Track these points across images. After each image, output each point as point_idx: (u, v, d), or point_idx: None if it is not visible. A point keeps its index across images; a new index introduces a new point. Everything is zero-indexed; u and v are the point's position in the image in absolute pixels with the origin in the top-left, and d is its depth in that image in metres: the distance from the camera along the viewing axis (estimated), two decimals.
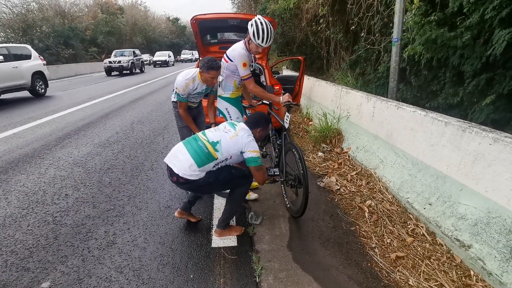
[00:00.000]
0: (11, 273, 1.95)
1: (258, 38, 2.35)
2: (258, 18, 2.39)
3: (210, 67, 2.44)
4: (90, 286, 1.84)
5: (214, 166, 2.08)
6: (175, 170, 2.01)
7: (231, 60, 2.54)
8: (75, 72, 19.87)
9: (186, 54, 38.83)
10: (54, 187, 3.14)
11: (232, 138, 2.08)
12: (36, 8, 24.25)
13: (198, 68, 2.57)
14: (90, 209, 2.72)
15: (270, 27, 2.36)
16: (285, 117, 2.75)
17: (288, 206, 2.63)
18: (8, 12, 21.73)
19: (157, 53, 34.06)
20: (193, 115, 2.91)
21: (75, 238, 2.30)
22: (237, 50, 2.49)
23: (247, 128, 2.18)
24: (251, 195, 2.84)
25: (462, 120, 2.27)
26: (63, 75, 18.17)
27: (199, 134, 2.18)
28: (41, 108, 7.42)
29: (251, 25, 2.37)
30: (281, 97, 2.60)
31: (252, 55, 2.60)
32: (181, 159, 2.03)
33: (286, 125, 2.70)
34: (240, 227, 2.40)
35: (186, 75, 2.62)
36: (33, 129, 5.43)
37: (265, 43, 2.38)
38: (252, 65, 2.67)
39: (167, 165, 2.08)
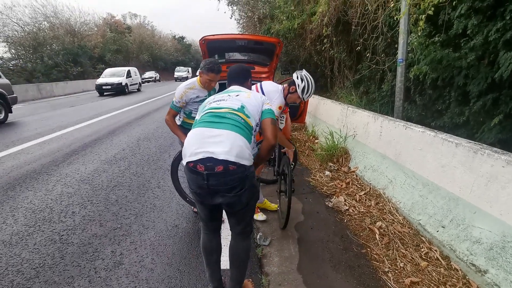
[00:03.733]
0: None
1: (306, 93, 2.53)
2: (307, 74, 2.54)
3: (211, 69, 2.43)
4: None
5: (254, 141, 1.71)
6: (221, 156, 1.44)
7: (264, 94, 2.56)
8: (82, 88, 20.29)
9: (181, 72, 35.65)
10: (61, 205, 3.13)
11: (250, 96, 1.74)
12: (47, 27, 25.08)
13: (198, 71, 2.57)
14: (97, 228, 2.70)
15: (313, 82, 2.54)
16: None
17: (279, 217, 2.78)
18: (19, 30, 22.48)
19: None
20: None
21: (82, 258, 2.27)
22: (274, 92, 2.58)
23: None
24: (259, 216, 2.81)
25: (473, 142, 2.27)
26: (71, 91, 18.58)
27: (212, 109, 1.66)
28: (49, 124, 7.51)
29: (302, 80, 2.50)
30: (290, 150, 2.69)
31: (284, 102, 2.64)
32: (224, 140, 1.49)
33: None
34: (249, 280, 2.01)
35: (186, 83, 2.61)
36: (41, 145, 5.48)
37: (308, 97, 2.57)
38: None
39: (196, 164, 1.48)
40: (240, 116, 1.60)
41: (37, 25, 23.83)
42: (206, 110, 1.68)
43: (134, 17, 44.40)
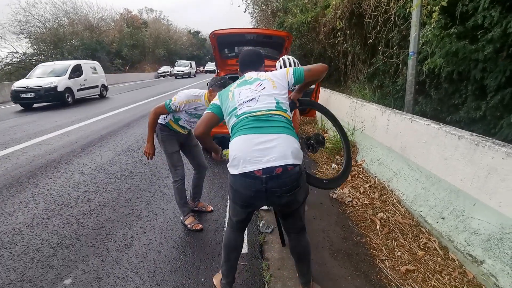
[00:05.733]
0: (37, 269, 2.10)
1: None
2: (289, 57, 2.51)
3: (223, 85, 2.25)
4: (108, 284, 1.95)
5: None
6: (279, 162, 1.43)
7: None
8: None
9: (182, 66, 31.53)
10: (78, 191, 3.33)
11: (275, 86, 1.65)
12: (67, 22, 25.90)
13: (208, 88, 2.37)
14: (110, 213, 2.87)
15: (291, 57, 2.50)
16: None
17: None
18: (41, 26, 23.34)
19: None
20: (183, 139, 2.67)
21: (96, 240, 2.44)
22: None
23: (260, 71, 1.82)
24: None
25: (476, 134, 2.26)
26: None
27: (251, 113, 1.56)
28: (67, 117, 7.85)
29: (281, 67, 2.47)
30: None
31: None
32: (279, 144, 1.47)
33: None
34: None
35: (193, 92, 2.42)
36: (61, 136, 5.77)
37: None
38: None
39: (253, 170, 1.45)
40: (281, 115, 1.57)
41: (57, 21, 24.68)
42: (241, 114, 1.58)
43: (150, 12, 45.10)
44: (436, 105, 5.67)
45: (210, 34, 4.14)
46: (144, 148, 2.55)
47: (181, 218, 2.68)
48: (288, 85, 1.68)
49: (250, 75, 1.74)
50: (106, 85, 13.59)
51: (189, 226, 2.59)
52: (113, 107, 9.59)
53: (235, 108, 1.61)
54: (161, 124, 2.52)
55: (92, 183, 3.56)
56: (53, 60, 21.58)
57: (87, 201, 3.11)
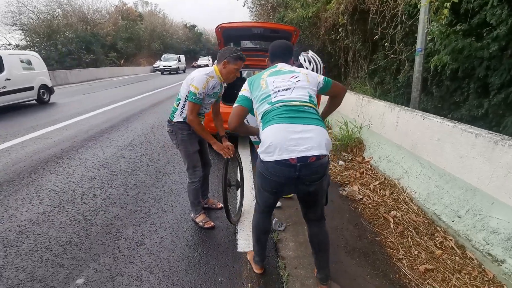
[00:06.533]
0: (47, 268, 2.03)
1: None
2: (313, 55, 2.43)
3: (239, 58, 2.24)
4: (122, 284, 1.90)
5: None
6: (315, 152, 1.51)
7: None
8: (95, 76, 20.53)
9: (169, 61, 28.05)
10: (82, 187, 3.25)
11: (309, 81, 1.72)
12: (61, 14, 25.33)
13: (217, 62, 2.29)
14: (118, 210, 2.80)
15: (321, 63, 2.43)
16: None
17: None
18: (34, 18, 22.78)
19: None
20: (200, 136, 2.43)
21: (106, 237, 2.38)
22: None
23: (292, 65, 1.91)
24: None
25: (493, 132, 2.24)
26: (84, 79, 18.79)
27: (286, 102, 1.62)
28: (65, 111, 7.69)
29: (310, 62, 2.39)
30: None
31: None
32: (314, 136, 1.54)
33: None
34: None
35: (204, 71, 2.25)
36: (60, 130, 5.64)
37: None
38: None
39: (289, 158, 1.51)
40: (313, 108, 1.65)
41: (51, 12, 24.08)
42: (276, 102, 1.63)
43: (146, 5, 44.39)
44: (437, 103, 5.68)
45: (216, 28, 4.05)
46: (217, 150, 2.38)
47: (192, 216, 2.63)
48: (317, 87, 1.75)
49: (282, 65, 1.81)
50: (50, 85, 9.47)
51: (200, 224, 2.54)
52: (112, 100, 9.41)
53: (269, 96, 1.66)
54: (179, 122, 2.35)
55: (96, 178, 3.48)
56: (46, 53, 21.21)
57: (93, 197, 3.04)
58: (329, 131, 5.31)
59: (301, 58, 2.46)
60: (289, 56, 1.92)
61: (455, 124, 2.54)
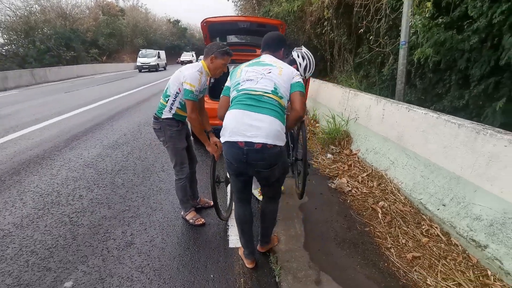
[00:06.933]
0: (33, 272, 1.97)
1: (308, 71, 2.44)
2: (307, 51, 2.43)
3: (226, 53, 2.25)
4: (112, 285, 1.87)
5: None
6: (260, 140, 1.62)
7: None
8: (76, 74, 19.92)
9: (148, 57, 25.33)
10: (67, 188, 3.16)
11: (281, 73, 1.79)
12: (38, 10, 24.36)
13: (205, 57, 2.29)
14: (105, 210, 2.74)
15: (313, 59, 2.44)
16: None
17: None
18: (12, 14, 21.84)
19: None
20: (187, 131, 2.53)
21: (94, 239, 2.33)
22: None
23: (273, 56, 1.96)
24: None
25: (476, 123, 2.31)
26: (65, 77, 18.21)
27: (248, 91, 1.74)
28: (47, 110, 7.44)
29: (303, 58, 2.40)
30: None
31: None
32: (264, 126, 1.64)
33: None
34: (275, 235, 2.31)
35: (193, 67, 2.24)
36: (41, 130, 5.46)
37: (309, 75, 2.51)
38: None
39: (237, 141, 1.65)
40: (274, 99, 1.72)
41: (28, 8, 23.12)
42: (241, 90, 1.77)
43: None
44: (420, 95, 5.80)
45: (201, 22, 3.98)
46: (211, 151, 2.34)
47: (182, 213, 2.61)
48: (290, 83, 1.80)
49: (265, 58, 1.92)
50: None
51: (191, 221, 2.52)
52: (95, 98, 9.16)
53: (238, 84, 1.81)
54: (168, 119, 2.33)
55: (82, 179, 3.40)
56: (24, 50, 20.37)
57: (79, 198, 2.96)
58: (317, 124, 5.36)
59: (294, 54, 2.46)
60: (278, 47, 2.00)
61: (439, 115, 2.60)
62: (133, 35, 37.78)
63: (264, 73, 1.79)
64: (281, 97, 1.74)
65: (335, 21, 8.37)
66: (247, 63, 1.91)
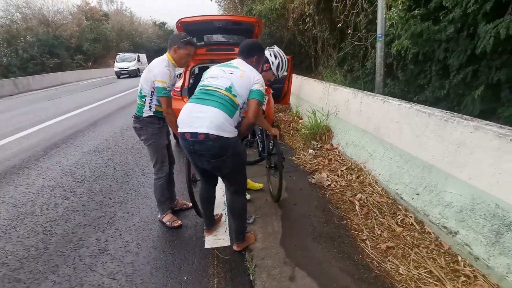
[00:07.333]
0: (3, 284, 1.92)
1: (280, 70, 2.43)
2: (279, 50, 2.43)
3: (189, 42, 2.28)
4: None
5: (240, 117, 1.94)
6: (203, 130, 1.70)
7: None
8: (61, 81, 19.50)
9: (127, 61, 22.58)
10: (43, 197, 3.09)
11: (242, 76, 1.87)
12: (20, 18, 23.89)
13: (168, 48, 2.33)
14: (80, 218, 2.69)
15: (285, 57, 2.45)
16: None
17: (271, 192, 2.89)
18: None
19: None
20: (167, 128, 2.55)
21: (66, 247, 2.28)
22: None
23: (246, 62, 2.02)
24: None
25: (444, 111, 2.33)
26: (49, 85, 17.81)
27: (204, 86, 1.88)
28: (28, 119, 7.29)
29: (276, 57, 2.38)
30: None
31: None
32: (207, 116, 1.73)
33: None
34: (252, 233, 2.32)
35: (160, 63, 2.27)
36: (20, 140, 5.34)
37: (282, 74, 2.48)
38: None
39: (185, 132, 1.76)
40: (226, 95, 1.81)
41: (9, 17, 22.65)
42: (200, 85, 1.92)
43: (111, 3, 42.46)
44: (403, 86, 5.84)
45: (176, 23, 3.93)
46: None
47: (159, 216, 2.57)
48: (248, 88, 1.88)
49: (235, 61, 2.03)
50: None
51: (168, 223, 2.48)
52: (77, 105, 9.01)
53: (202, 81, 1.95)
54: (149, 117, 2.35)
55: (58, 187, 3.32)
56: (7, 59, 19.86)
57: (54, 207, 2.90)
58: (300, 121, 5.36)
59: (267, 53, 2.43)
60: (250, 54, 2.05)
61: (411, 106, 2.61)
62: (118, 39, 37.31)
63: (227, 73, 1.90)
64: (234, 95, 1.82)
65: (316, 17, 8.40)
66: (221, 64, 2.04)
